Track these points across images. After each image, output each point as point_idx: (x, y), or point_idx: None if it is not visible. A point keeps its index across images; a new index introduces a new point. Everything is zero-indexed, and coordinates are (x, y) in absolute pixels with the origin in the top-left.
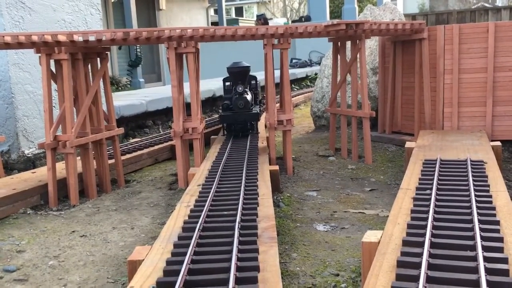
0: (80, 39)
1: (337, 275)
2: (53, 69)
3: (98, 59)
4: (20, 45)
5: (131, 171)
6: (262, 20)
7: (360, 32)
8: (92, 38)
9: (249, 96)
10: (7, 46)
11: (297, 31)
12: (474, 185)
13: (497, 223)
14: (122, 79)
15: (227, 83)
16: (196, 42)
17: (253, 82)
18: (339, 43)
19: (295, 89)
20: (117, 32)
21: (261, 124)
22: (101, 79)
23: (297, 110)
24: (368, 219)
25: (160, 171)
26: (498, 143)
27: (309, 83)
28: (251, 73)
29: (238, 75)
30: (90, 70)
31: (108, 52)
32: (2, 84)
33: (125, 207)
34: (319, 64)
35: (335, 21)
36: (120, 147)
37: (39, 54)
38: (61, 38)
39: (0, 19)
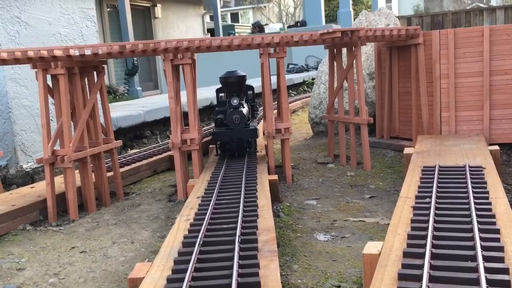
0: (77, 53)
1: (339, 286)
2: (50, 83)
3: (95, 72)
4: (16, 61)
5: (130, 183)
6: (257, 28)
7: (355, 39)
8: (88, 52)
9: (245, 110)
10: (3, 62)
11: (293, 39)
12: (473, 192)
13: (497, 231)
14: (119, 88)
15: (221, 94)
16: (192, 53)
17: (249, 92)
18: (335, 50)
19: (293, 95)
20: (113, 46)
21: (259, 141)
22: (98, 92)
23: (295, 116)
24: (369, 227)
25: (159, 182)
26: (496, 147)
27: (306, 88)
28: (248, 81)
29: (233, 85)
30: (87, 84)
31: (105, 65)
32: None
33: (124, 220)
34: (316, 69)
35: (331, 28)
36: (119, 159)
37: (36, 69)
38: (57, 53)
39: None
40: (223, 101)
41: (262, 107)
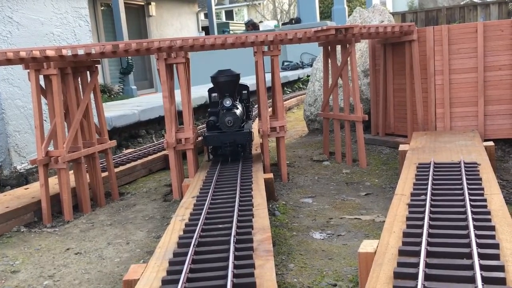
0: (69, 53)
1: (335, 285)
2: (42, 84)
3: (88, 72)
4: (8, 62)
5: (125, 183)
6: (251, 26)
7: (349, 37)
8: (81, 52)
9: (239, 111)
10: None
11: (287, 37)
12: (468, 188)
13: (493, 228)
14: (114, 87)
15: (214, 94)
16: (186, 52)
17: (244, 92)
18: (329, 47)
19: (288, 92)
20: (106, 45)
21: (255, 139)
22: (92, 92)
23: (290, 113)
24: (364, 225)
25: (155, 182)
26: (491, 143)
27: (301, 86)
28: (244, 79)
29: (225, 85)
30: (80, 84)
31: (99, 65)
32: None
33: (120, 221)
34: (311, 65)
35: (325, 25)
36: (113, 159)
37: (28, 70)
38: (50, 53)
39: None
40: (215, 101)
41: (257, 106)
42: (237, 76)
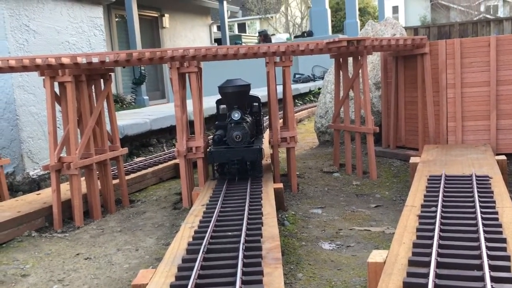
0: (84, 61)
1: None
2: (57, 91)
3: (102, 80)
4: (24, 68)
5: (136, 191)
6: (263, 36)
7: (361, 49)
8: (95, 60)
9: (248, 125)
10: (11, 69)
11: (299, 48)
12: (479, 201)
13: (504, 241)
14: (126, 97)
15: (222, 106)
16: (198, 61)
17: (255, 104)
18: (341, 59)
19: (299, 104)
20: (120, 54)
21: (265, 150)
22: (105, 100)
23: (301, 125)
24: (374, 236)
25: (165, 190)
26: (503, 157)
27: (312, 98)
28: (255, 91)
29: (234, 96)
30: (94, 92)
31: (112, 73)
32: (7, 106)
33: (129, 228)
34: (322, 78)
35: (337, 38)
36: (125, 167)
37: (43, 77)
38: (65, 60)
39: (5, 42)
40: (224, 114)
41: (267, 117)
42: (247, 86)
